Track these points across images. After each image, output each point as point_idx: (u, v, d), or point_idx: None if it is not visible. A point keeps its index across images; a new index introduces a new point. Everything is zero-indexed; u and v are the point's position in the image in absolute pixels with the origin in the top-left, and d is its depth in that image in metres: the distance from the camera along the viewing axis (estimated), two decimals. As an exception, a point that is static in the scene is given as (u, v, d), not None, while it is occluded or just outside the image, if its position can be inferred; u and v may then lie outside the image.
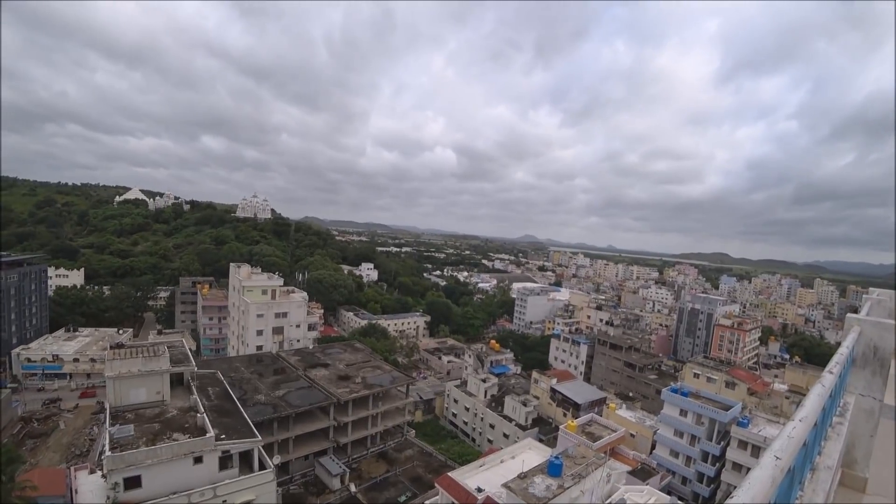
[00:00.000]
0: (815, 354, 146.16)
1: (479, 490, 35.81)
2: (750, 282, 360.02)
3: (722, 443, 60.77)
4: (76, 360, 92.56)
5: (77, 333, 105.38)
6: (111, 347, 42.05)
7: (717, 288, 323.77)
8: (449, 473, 39.87)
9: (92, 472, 36.98)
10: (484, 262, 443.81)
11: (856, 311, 9.56)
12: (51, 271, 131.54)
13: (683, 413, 64.02)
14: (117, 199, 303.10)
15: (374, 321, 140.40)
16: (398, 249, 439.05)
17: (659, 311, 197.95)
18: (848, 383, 7.55)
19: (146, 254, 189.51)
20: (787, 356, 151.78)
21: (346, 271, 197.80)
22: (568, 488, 29.58)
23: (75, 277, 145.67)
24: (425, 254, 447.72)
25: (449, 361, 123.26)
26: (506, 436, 75.95)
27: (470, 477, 38.92)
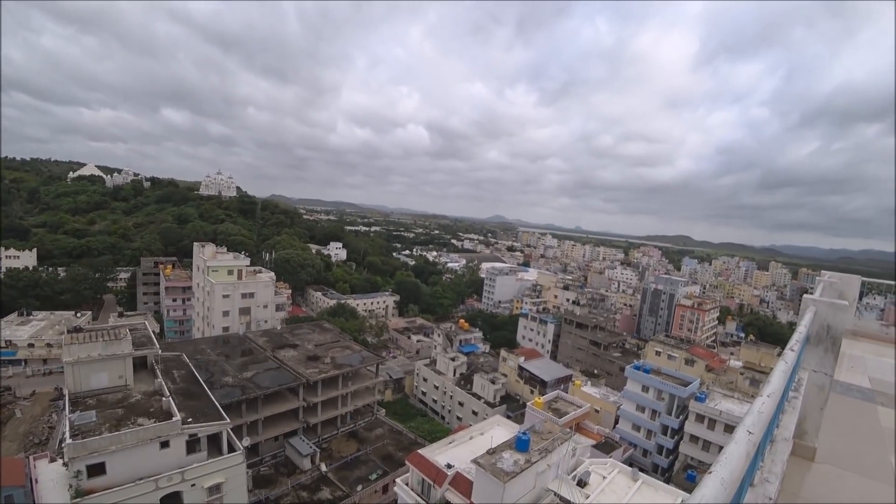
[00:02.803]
0: (768, 333, 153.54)
1: (449, 466, 36.52)
2: (710, 264, 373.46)
3: (681, 417, 63.57)
4: (31, 345, 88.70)
5: (31, 317, 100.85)
6: (68, 331, 40.44)
7: (679, 269, 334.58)
8: (419, 451, 40.43)
9: (52, 460, 35.83)
10: (453, 241, 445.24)
11: (806, 292, 10.07)
12: (0, 252, 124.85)
13: (645, 389, 66.57)
14: (71, 175, 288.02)
15: (342, 301, 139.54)
16: (367, 229, 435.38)
17: (623, 291, 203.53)
18: (802, 360, 7.99)
19: (104, 233, 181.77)
20: (743, 335, 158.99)
21: (314, 251, 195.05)
22: (535, 462, 30.47)
23: (27, 258, 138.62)
24: (394, 233, 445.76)
25: (418, 341, 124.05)
26: (475, 413, 77.41)
27: (440, 454, 39.58)
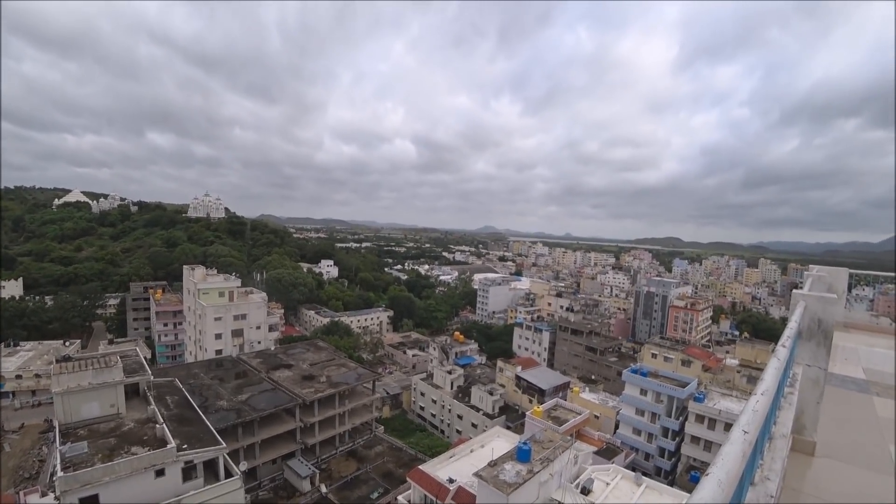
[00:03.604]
0: (762, 329, 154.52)
1: (451, 481, 36.16)
2: (701, 264, 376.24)
3: (680, 418, 63.48)
4: (18, 376, 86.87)
5: (18, 348, 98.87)
6: (57, 361, 39.74)
7: (670, 271, 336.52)
8: (420, 467, 40.05)
9: (44, 494, 35.07)
10: (445, 254, 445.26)
11: (796, 287, 10.14)
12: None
13: (643, 392, 66.48)
14: (56, 202, 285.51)
15: (336, 319, 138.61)
16: (358, 245, 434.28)
17: (617, 295, 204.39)
18: (796, 355, 8.00)
19: (92, 259, 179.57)
20: (737, 332, 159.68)
21: (305, 269, 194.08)
22: (537, 472, 30.25)
23: (13, 288, 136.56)
24: (385, 248, 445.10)
25: (414, 355, 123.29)
26: (474, 425, 76.80)
27: (441, 468, 39.21)
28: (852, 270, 17.05)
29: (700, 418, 60.04)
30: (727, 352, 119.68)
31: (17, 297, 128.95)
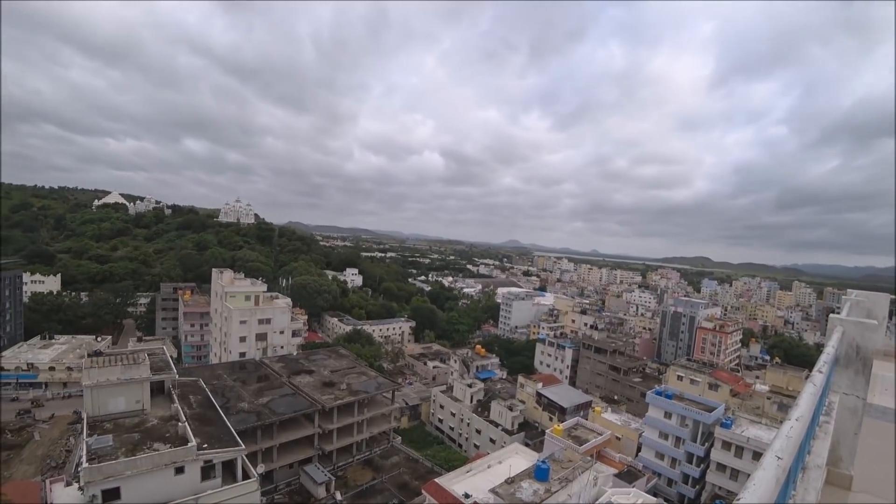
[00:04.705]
0: (794, 355, 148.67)
1: (467, 496, 35.63)
2: (731, 285, 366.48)
3: (706, 444, 61.47)
4: (52, 368, 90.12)
5: (53, 341, 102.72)
6: (89, 355, 41.03)
7: (698, 291, 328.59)
8: (436, 480, 39.63)
9: (68, 484, 35.91)
10: (469, 267, 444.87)
11: (832, 311, 9.70)
12: (26, 277, 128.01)
13: (668, 415, 64.66)
14: (96, 202, 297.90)
15: (358, 327, 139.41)
16: (383, 255, 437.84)
17: (642, 314, 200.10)
18: (832, 383, 7.63)
19: (126, 259, 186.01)
20: (768, 357, 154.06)
21: (330, 277, 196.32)
22: (555, 492, 29.62)
23: (52, 283, 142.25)
24: (410, 259, 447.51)
25: (434, 367, 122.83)
26: (492, 441, 75.86)
27: (457, 483, 38.71)
28: (894, 296, 16.30)
29: (727, 445, 58.00)
30: (757, 377, 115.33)
31: (55, 293, 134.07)
